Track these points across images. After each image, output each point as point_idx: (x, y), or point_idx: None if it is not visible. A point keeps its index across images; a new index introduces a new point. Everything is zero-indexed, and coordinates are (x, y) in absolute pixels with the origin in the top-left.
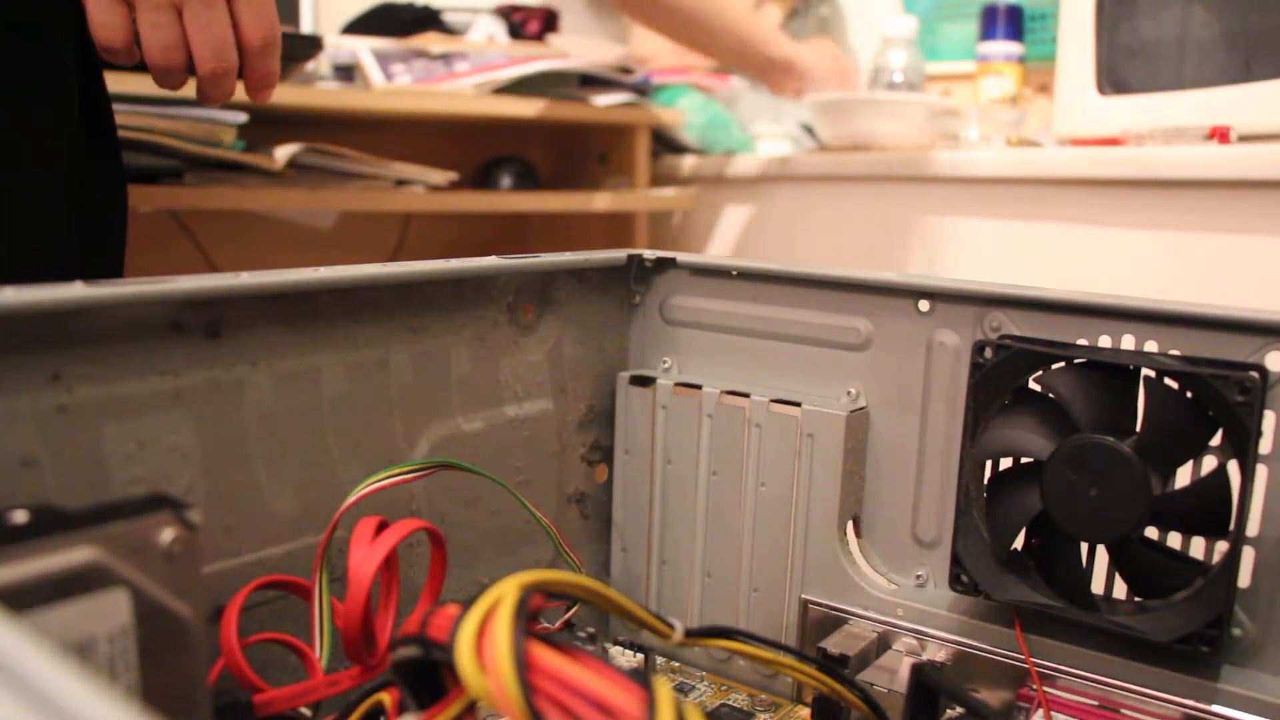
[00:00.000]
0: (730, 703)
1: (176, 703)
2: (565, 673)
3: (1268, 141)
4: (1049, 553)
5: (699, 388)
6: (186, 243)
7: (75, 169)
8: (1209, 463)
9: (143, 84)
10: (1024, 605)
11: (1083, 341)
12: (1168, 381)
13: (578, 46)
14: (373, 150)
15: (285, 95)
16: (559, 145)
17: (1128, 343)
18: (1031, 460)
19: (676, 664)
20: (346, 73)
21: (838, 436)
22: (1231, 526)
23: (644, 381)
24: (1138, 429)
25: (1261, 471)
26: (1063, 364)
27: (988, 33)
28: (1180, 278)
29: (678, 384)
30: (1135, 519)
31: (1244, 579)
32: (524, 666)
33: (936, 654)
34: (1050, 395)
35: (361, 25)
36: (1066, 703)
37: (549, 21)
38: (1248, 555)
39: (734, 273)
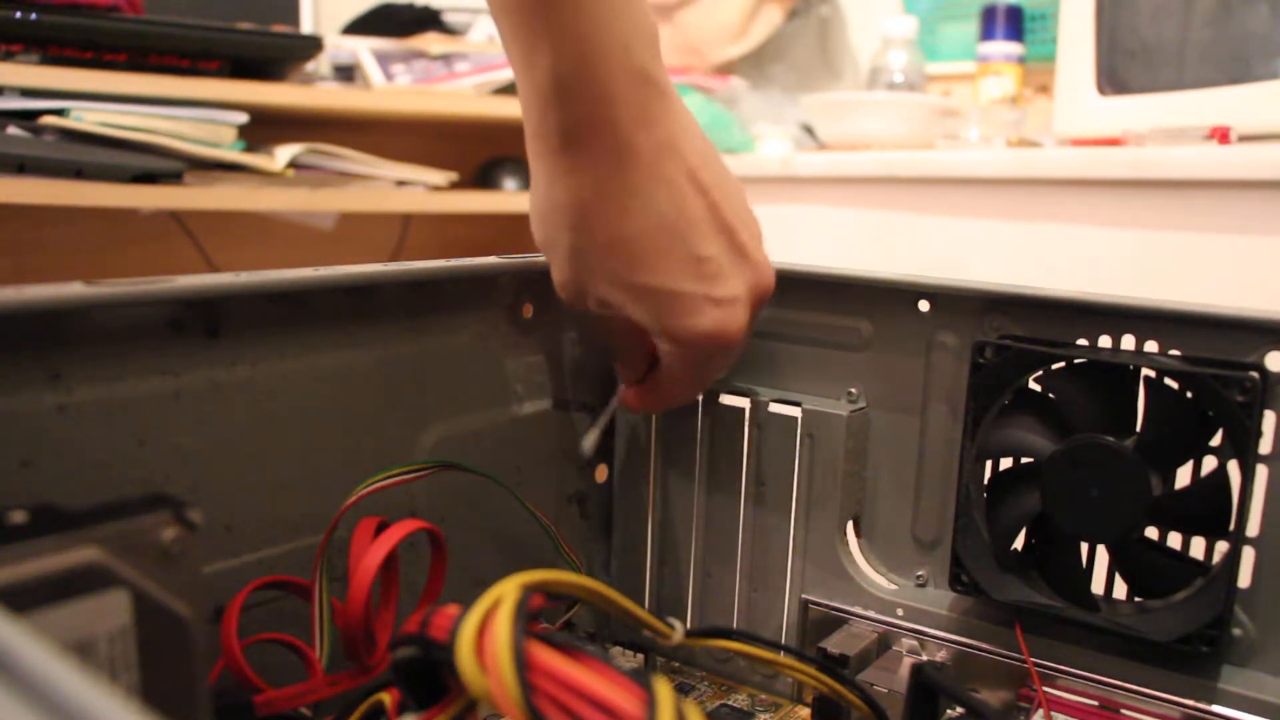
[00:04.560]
0: (730, 703)
1: (176, 703)
2: (565, 673)
3: (1268, 141)
4: (1049, 553)
5: None
6: (186, 243)
7: None
8: (1209, 463)
9: (143, 84)
10: (1024, 605)
11: (1083, 341)
12: (1168, 381)
13: None
14: (373, 150)
15: (285, 95)
16: None
17: (1128, 343)
18: (1031, 460)
19: (676, 664)
20: (347, 73)
21: (838, 436)
22: (1231, 526)
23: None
24: (1138, 429)
25: (1261, 471)
26: (1063, 364)
27: (988, 33)
28: (1180, 278)
29: None
30: (1135, 519)
31: (1244, 579)
32: (524, 666)
33: (936, 654)
34: (1050, 395)
35: (361, 25)
36: (1066, 703)
37: None
38: (1248, 555)
39: None
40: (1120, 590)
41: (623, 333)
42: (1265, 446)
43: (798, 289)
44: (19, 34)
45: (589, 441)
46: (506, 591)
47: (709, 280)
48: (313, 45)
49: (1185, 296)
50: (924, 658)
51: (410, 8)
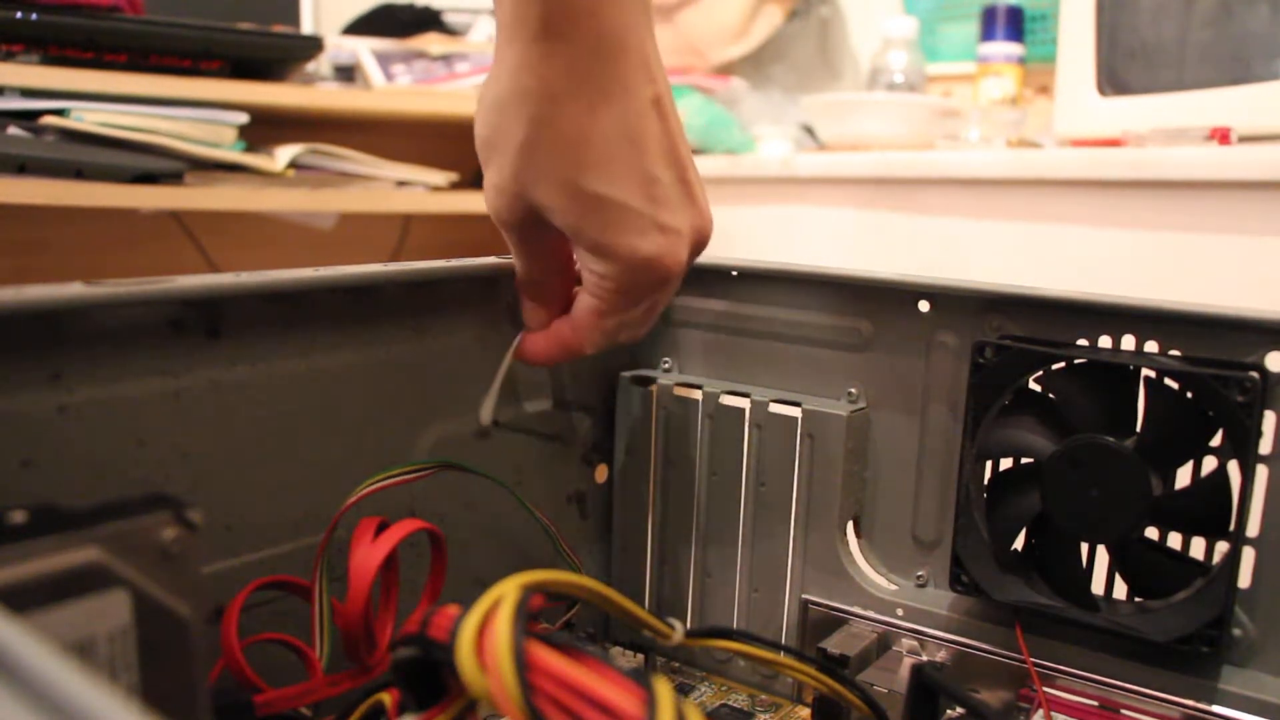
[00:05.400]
0: (730, 703)
1: (176, 703)
2: (565, 673)
3: (1268, 142)
4: (1049, 553)
5: (699, 388)
6: (186, 243)
7: None
8: (1209, 463)
9: (144, 84)
10: (1024, 605)
11: (1083, 342)
12: (1168, 382)
13: None
14: (373, 151)
15: (285, 96)
16: None
17: (1128, 343)
18: (1031, 460)
19: (676, 664)
20: (347, 73)
21: (838, 436)
22: (1232, 527)
23: (644, 381)
24: (1138, 429)
25: (1261, 471)
26: (1063, 364)
27: (988, 34)
28: (1180, 278)
29: (678, 384)
30: (1135, 519)
31: (1244, 579)
32: (524, 666)
33: (936, 654)
34: (1050, 395)
35: (362, 26)
36: (1066, 703)
37: None
38: (1248, 555)
39: (734, 273)
40: (1120, 590)
41: (548, 256)
42: (1265, 446)
43: (798, 289)
44: (19, 34)
45: (486, 409)
46: (506, 591)
47: (657, 204)
48: (313, 45)
49: (1185, 296)
50: (924, 658)
51: (410, 8)
